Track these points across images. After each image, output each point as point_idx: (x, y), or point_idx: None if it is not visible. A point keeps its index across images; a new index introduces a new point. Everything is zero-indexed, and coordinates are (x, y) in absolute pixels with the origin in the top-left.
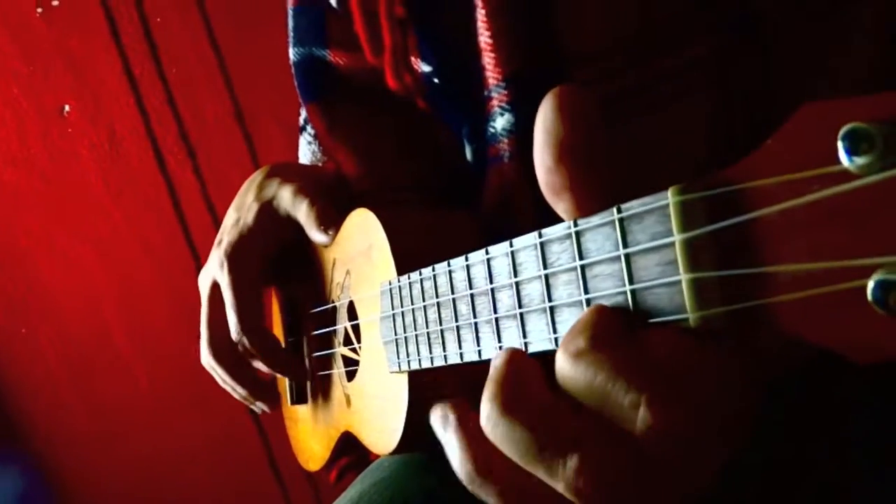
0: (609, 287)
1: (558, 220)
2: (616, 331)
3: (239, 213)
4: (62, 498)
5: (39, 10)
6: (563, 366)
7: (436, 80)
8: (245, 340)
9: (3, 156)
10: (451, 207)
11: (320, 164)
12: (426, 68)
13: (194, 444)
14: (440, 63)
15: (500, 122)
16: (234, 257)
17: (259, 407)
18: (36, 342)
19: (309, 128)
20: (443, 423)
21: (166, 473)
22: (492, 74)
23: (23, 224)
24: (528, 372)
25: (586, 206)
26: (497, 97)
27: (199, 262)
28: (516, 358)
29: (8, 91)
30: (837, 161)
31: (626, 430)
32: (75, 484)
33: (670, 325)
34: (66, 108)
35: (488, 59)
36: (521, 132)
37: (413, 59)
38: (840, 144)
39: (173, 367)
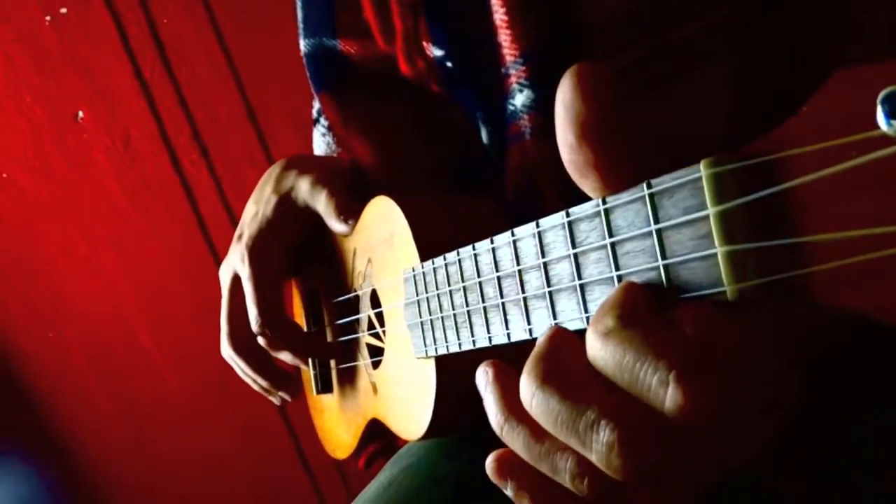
0: (641, 263)
1: (584, 194)
2: (645, 308)
3: (258, 207)
4: (95, 498)
5: (48, 18)
6: (593, 345)
7: (449, 64)
8: (266, 331)
9: (20, 164)
10: (471, 192)
11: (335, 156)
12: (438, 52)
13: (223, 438)
14: (452, 46)
15: (520, 99)
16: (255, 250)
17: (280, 397)
18: (64, 346)
19: (322, 119)
20: (483, 380)
21: (196, 469)
22: (508, 51)
23: (44, 231)
24: (569, 348)
25: (613, 182)
26: (515, 74)
27: (217, 259)
28: (558, 335)
29: (21, 100)
30: (876, 126)
31: (656, 408)
32: (108, 483)
33: (703, 300)
34: (80, 114)
35: (504, 36)
36: (542, 107)
37: (425, 43)
38: (879, 108)
39: (198, 363)
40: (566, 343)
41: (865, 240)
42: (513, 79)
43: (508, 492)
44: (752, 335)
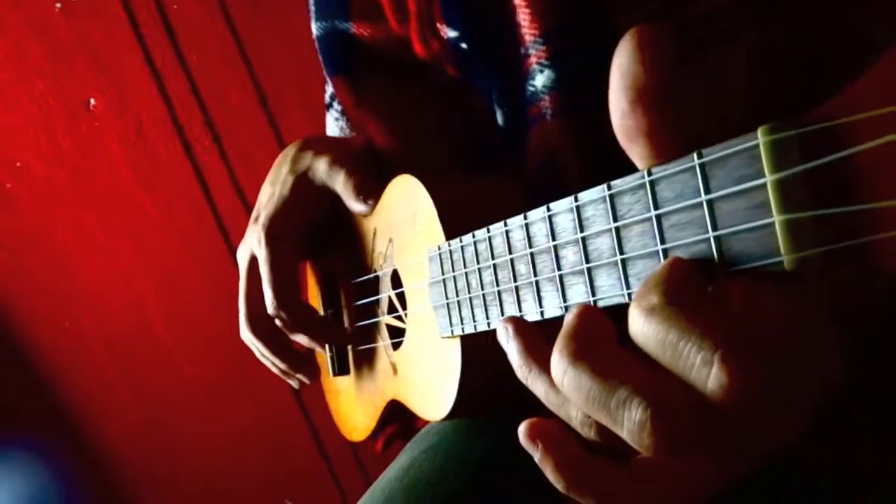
0: (689, 235)
1: (607, 177)
2: (692, 285)
3: (274, 188)
4: (112, 485)
5: (58, 5)
6: (636, 321)
7: (463, 45)
8: (282, 314)
9: (33, 153)
10: (490, 172)
11: (351, 137)
12: (453, 34)
13: (238, 424)
14: (467, 27)
15: (540, 80)
16: (272, 231)
17: (299, 379)
18: (80, 335)
19: (336, 104)
20: (505, 335)
21: (212, 455)
22: (528, 31)
23: (58, 219)
24: (599, 326)
25: (662, 150)
26: (535, 54)
27: (230, 246)
28: (587, 313)
29: (33, 88)
30: None
31: (698, 388)
32: (125, 470)
33: (754, 273)
34: (92, 101)
35: (523, 16)
36: (563, 88)
37: (439, 25)
38: None
39: (212, 349)
40: (597, 320)
41: None
42: (532, 59)
43: (536, 455)
44: (804, 310)
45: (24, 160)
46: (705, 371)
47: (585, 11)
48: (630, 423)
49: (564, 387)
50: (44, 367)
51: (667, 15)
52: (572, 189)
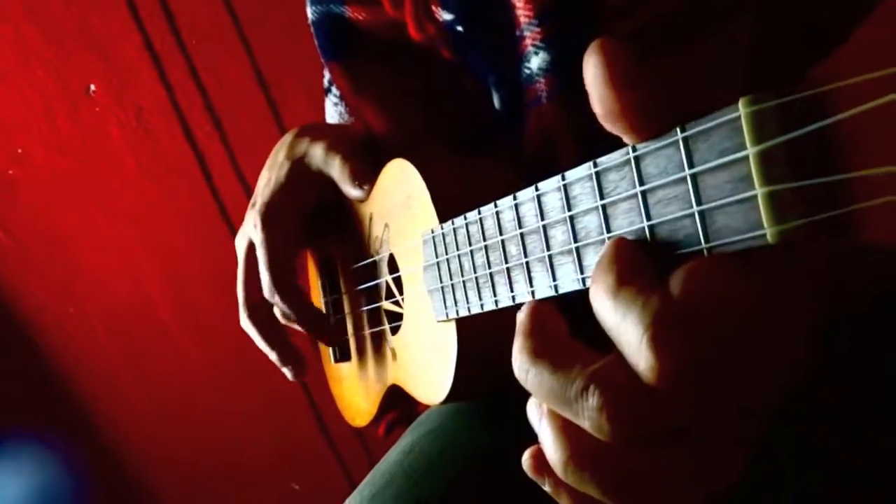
0: (675, 210)
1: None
2: (641, 266)
3: (271, 173)
4: (118, 472)
5: None
6: (594, 302)
7: (459, 28)
8: (277, 299)
9: (34, 139)
10: (487, 155)
11: (349, 123)
12: (448, 16)
13: (243, 409)
14: (462, 10)
15: (536, 62)
16: (268, 216)
17: (287, 372)
18: (85, 321)
19: (334, 89)
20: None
21: (218, 440)
22: (523, 13)
23: (60, 206)
24: (551, 320)
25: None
26: (530, 36)
27: (233, 230)
28: (538, 309)
29: (33, 74)
30: None
31: (636, 370)
32: (131, 457)
33: (701, 256)
34: (92, 87)
35: None
36: (559, 69)
37: (434, 7)
38: None
39: (217, 335)
40: (548, 315)
41: None
42: (528, 41)
43: (546, 488)
44: (765, 289)
45: (26, 147)
46: (640, 351)
47: None
48: (588, 411)
49: (528, 385)
50: (48, 354)
51: None
52: (568, 170)
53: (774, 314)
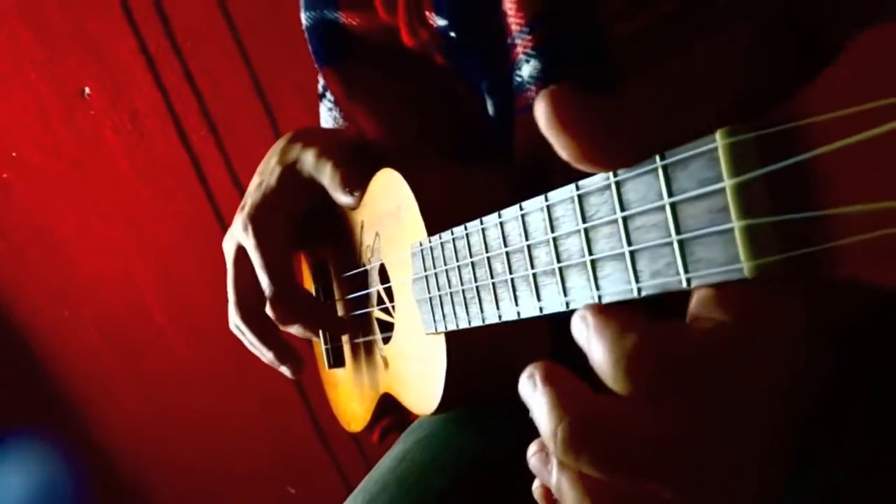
0: (654, 238)
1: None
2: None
3: (262, 177)
4: (113, 475)
5: None
6: (573, 328)
7: (452, 34)
8: (279, 300)
9: (28, 142)
10: (478, 162)
11: (342, 128)
12: (441, 22)
13: (239, 412)
14: (455, 15)
15: (527, 70)
16: (258, 219)
17: (285, 371)
18: (80, 324)
19: (328, 94)
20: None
21: (214, 443)
22: (514, 20)
23: (56, 209)
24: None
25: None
26: (521, 43)
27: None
28: (555, 375)
29: (27, 77)
30: None
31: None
32: (126, 460)
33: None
34: (87, 90)
35: (509, 5)
36: (550, 78)
37: (427, 13)
38: None
39: (212, 338)
40: (566, 380)
41: (892, 212)
42: (519, 49)
43: (552, 478)
44: (748, 321)
45: (20, 150)
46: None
47: (567, 1)
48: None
49: (585, 467)
50: (44, 357)
51: (651, 2)
52: (558, 181)
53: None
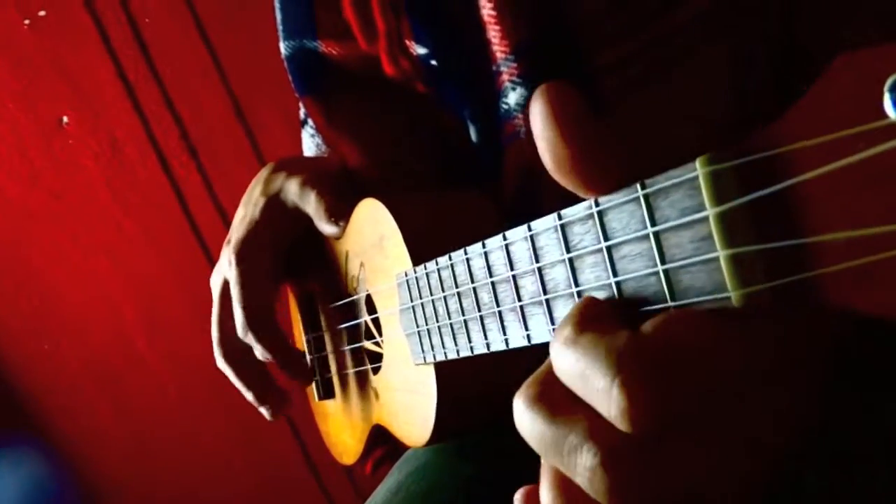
0: (640, 268)
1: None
2: (606, 316)
3: (246, 210)
4: None
5: (27, 21)
6: (554, 357)
7: (433, 63)
8: (251, 338)
9: (6, 173)
10: (463, 189)
11: (325, 157)
12: (422, 51)
13: (227, 444)
14: (437, 44)
15: (513, 97)
16: (243, 253)
17: (264, 412)
18: (60, 357)
19: (310, 121)
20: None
21: (202, 476)
22: (499, 48)
23: (34, 240)
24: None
25: (598, 185)
26: (507, 71)
27: (211, 261)
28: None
29: (3, 107)
30: (884, 115)
31: (605, 416)
32: (111, 494)
33: (673, 311)
34: (65, 119)
35: (493, 33)
36: None
37: (408, 42)
38: (887, 96)
39: (196, 368)
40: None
41: (877, 238)
42: (504, 76)
43: None
44: (745, 344)
45: None
46: (607, 397)
47: (554, 29)
48: (581, 468)
49: (524, 433)
50: (22, 392)
51: (634, 29)
52: (549, 207)
53: (756, 360)
